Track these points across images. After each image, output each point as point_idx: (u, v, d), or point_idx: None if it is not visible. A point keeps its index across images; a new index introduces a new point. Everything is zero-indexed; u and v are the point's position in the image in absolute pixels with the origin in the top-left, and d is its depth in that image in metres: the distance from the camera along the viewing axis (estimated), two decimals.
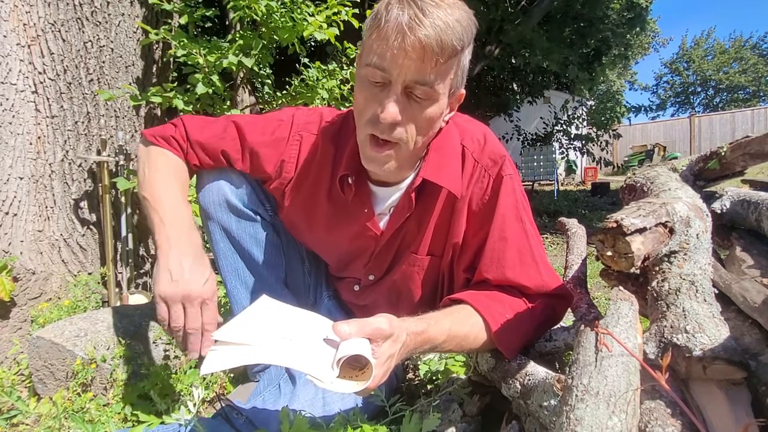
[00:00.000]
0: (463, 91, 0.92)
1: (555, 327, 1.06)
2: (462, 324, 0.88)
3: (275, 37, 2.08)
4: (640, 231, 0.76)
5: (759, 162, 1.18)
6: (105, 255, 1.87)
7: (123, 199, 1.92)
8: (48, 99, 1.75)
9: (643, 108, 10.06)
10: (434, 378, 1.19)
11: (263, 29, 2.07)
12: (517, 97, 8.31)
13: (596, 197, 7.62)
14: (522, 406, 0.85)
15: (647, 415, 0.61)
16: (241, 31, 2.12)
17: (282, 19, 2.04)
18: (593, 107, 9.11)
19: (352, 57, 2.57)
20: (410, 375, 1.31)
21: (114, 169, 1.89)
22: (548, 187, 9.44)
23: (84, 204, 1.86)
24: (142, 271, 2.08)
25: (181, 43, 1.91)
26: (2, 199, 1.62)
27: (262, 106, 2.65)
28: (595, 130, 8.66)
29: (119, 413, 1.08)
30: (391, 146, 0.86)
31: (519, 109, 8.60)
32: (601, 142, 8.46)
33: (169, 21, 2.28)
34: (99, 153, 1.87)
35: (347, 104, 2.47)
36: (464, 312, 0.91)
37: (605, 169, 11.64)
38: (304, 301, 1.21)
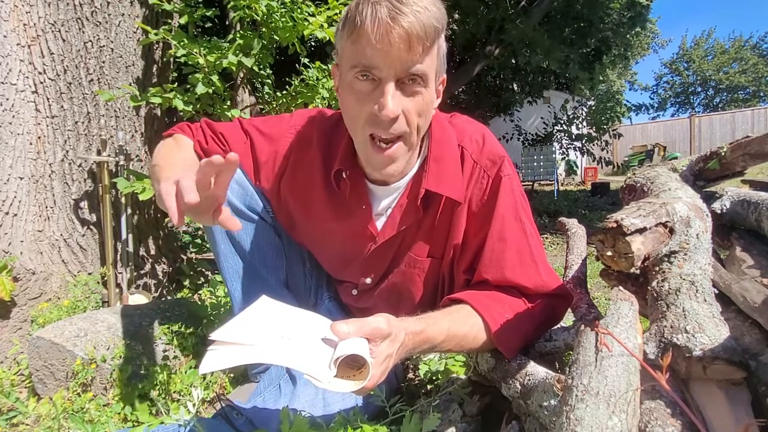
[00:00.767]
0: (444, 76, 0.93)
1: (555, 327, 1.06)
2: (461, 324, 0.88)
3: (275, 37, 2.08)
4: (640, 231, 0.76)
5: (759, 162, 1.18)
6: (105, 255, 1.87)
7: (123, 200, 1.92)
8: (48, 99, 1.75)
9: (643, 107, 10.04)
10: (434, 378, 1.19)
11: (263, 29, 2.07)
12: (517, 97, 8.31)
13: (596, 197, 7.62)
14: (522, 406, 0.85)
15: (647, 415, 0.61)
16: (241, 31, 2.12)
17: (282, 19, 2.04)
18: (593, 107, 9.11)
19: None
20: (410, 375, 1.31)
21: (114, 169, 1.89)
22: (548, 187, 9.44)
23: (84, 204, 1.86)
24: (142, 271, 2.08)
25: (181, 43, 1.91)
26: (2, 199, 1.62)
27: (262, 106, 2.65)
28: (595, 129, 8.66)
29: (119, 413, 1.08)
30: (395, 142, 0.87)
31: (519, 109, 8.59)
32: (601, 142, 8.46)
33: (169, 21, 2.28)
34: (99, 153, 1.87)
35: None
36: (464, 312, 0.90)
37: (605, 169, 11.64)
38: (304, 303, 1.21)
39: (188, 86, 1.99)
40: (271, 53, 2.20)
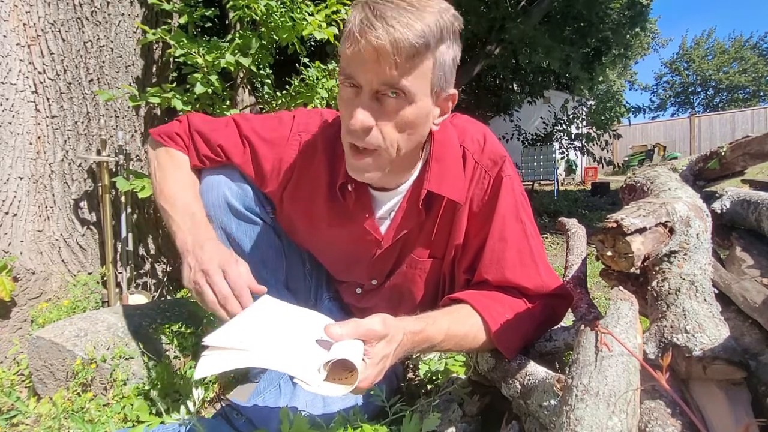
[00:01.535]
0: (454, 92, 0.89)
1: (555, 327, 1.06)
2: (461, 323, 0.88)
3: (275, 36, 2.08)
4: (640, 231, 0.76)
5: (759, 162, 1.18)
6: (105, 255, 1.87)
7: (123, 199, 1.92)
8: (48, 99, 1.75)
9: (642, 108, 10.05)
10: (434, 378, 1.19)
11: (263, 29, 2.07)
12: (517, 97, 8.30)
13: (596, 197, 7.62)
14: (522, 406, 0.85)
15: (647, 415, 0.61)
16: (240, 31, 2.12)
17: (281, 19, 2.04)
18: (593, 107, 9.11)
19: None
20: (410, 375, 1.31)
21: (114, 169, 1.89)
22: (548, 187, 9.44)
23: (84, 204, 1.86)
24: (142, 271, 2.08)
25: (180, 43, 1.91)
26: (2, 199, 1.62)
27: (262, 106, 2.65)
28: (595, 129, 8.66)
29: (119, 413, 1.08)
30: (370, 153, 0.85)
31: (519, 109, 8.59)
32: (601, 142, 8.47)
33: (169, 21, 2.28)
34: (99, 153, 1.87)
35: None
36: (463, 312, 0.90)
37: (605, 169, 11.64)
38: (304, 303, 1.20)
39: (188, 86, 1.99)
40: (271, 53, 2.20)
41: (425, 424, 0.80)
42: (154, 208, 2.20)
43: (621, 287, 0.77)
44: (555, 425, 0.59)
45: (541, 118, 9.17)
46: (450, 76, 0.86)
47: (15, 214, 1.65)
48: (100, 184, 1.85)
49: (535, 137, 9.08)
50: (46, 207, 1.77)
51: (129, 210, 1.95)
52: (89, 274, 1.84)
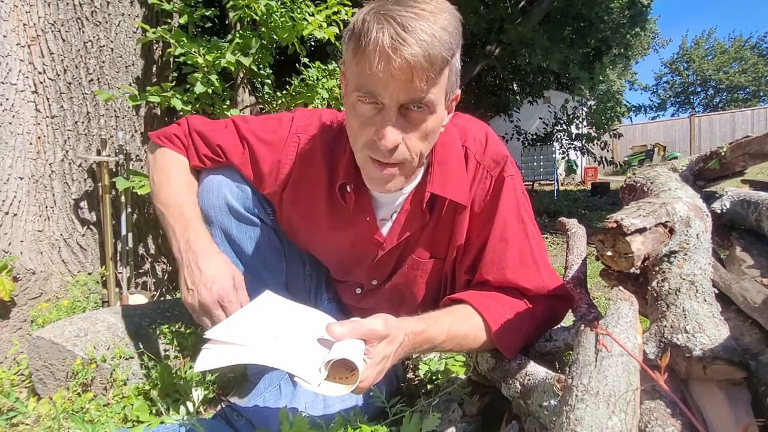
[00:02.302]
0: (458, 92, 0.90)
1: (555, 327, 1.06)
2: (462, 324, 0.88)
3: (275, 36, 2.08)
4: (640, 231, 0.76)
5: (759, 162, 1.18)
6: (105, 255, 1.87)
7: (123, 199, 1.92)
8: (48, 99, 1.75)
9: (643, 108, 10.05)
10: (434, 378, 1.19)
11: (263, 29, 2.07)
12: (517, 97, 8.31)
13: (596, 197, 7.62)
14: (522, 406, 0.85)
15: (647, 415, 0.61)
16: (240, 31, 2.12)
17: (282, 19, 2.04)
18: (593, 107, 9.12)
19: None
20: (410, 375, 1.31)
21: (114, 169, 1.89)
22: (548, 187, 9.44)
23: (84, 204, 1.86)
24: (141, 270, 2.08)
25: (180, 43, 1.91)
26: (2, 199, 1.62)
27: (262, 106, 2.65)
28: (595, 129, 8.67)
29: (119, 413, 1.08)
30: (394, 166, 0.84)
31: (519, 109, 8.59)
32: (600, 142, 8.47)
33: (169, 21, 2.28)
34: (99, 153, 1.87)
35: None
36: (464, 312, 0.90)
37: (605, 169, 11.64)
38: (304, 304, 1.21)
39: (188, 86, 1.99)
40: (271, 53, 2.20)
41: (425, 424, 0.80)
42: (155, 208, 2.20)
43: (621, 287, 0.77)
44: (555, 425, 0.59)
45: (541, 118, 9.17)
46: (458, 77, 0.87)
47: (15, 214, 1.65)
48: (100, 184, 1.85)
49: (535, 137, 9.08)
50: (46, 207, 1.77)
51: (129, 210, 1.95)
52: (89, 274, 1.84)
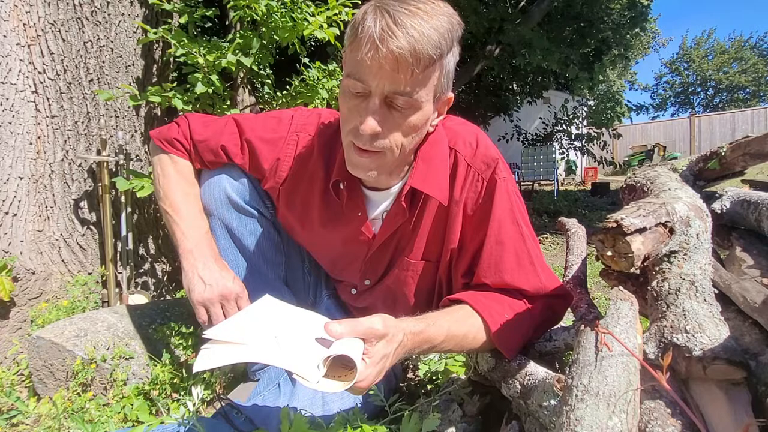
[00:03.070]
0: (451, 95, 0.91)
1: (555, 327, 1.06)
2: (461, 324, 0.88)
3: (275, 36, 2.08)
4: (640, 231, 0.76)
5: (759, 162, 1.18)
6: (105, 255, 1.87)
7: (123, 199, 1.92)
8: (48, 99, 1.75)
9: (643, 107, 10.06)
10: (434, 378, 1.19)
11: (263, 29, 2.07)
12: (517, 97, 8.31)
13: (596, 197, 7.62)
14: (522, 406, 0.85)
15: (647, 415, 0.61)
16: (240, 31, 2.12)
17: (282, 19, 2.04)
18: (593, 107, 9.13)
19: None
20: (410, 375, 1.31)
21: (114, 169, 1.89)
22: (548, 187, 9.44)
23: (84, 204, 1.86)
24: (141, 270, 2.08)
25: (181, 43, 1.91)
26: (2, 199, 1.62)
27: (262, 106, 2.65)
28: (595, 129, 8.68)
29: (119, 413, 1.08)
30: (374, 154, 0.86)
31: (519, 109, 8.60)
32: (600, 142, 8.47)
33: (169, 21, 2.28)
34: (99, 153, 1.87)
35: None
36: (463, 312, 0.91)
37: (605, 169, 11.65)
38: (303, 300, 1.21)
39: (188, 86, 1.99)
40: (271, 53, 2.20)
41: (425, 424, 0.80)
42: (154, 208, 2.20)
43: (621, 287, 0.77)
44: (555, 425, 0.59)
45: (541, 118, 9.18)
46: (451, 81, 0.88)
47: (15, 214, 1.66)
48: (100, 184, 1.85)
49: (535, 137, 9.08)
50: (46, 207, 1.77)
51: (129, 210, 1.95)
52: (89, 274, 1.84)
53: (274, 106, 2.52)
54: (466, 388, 1.00)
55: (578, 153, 9.15)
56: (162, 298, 2.05)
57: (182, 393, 1.13)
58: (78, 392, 1.14)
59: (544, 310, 0.98)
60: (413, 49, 0.74)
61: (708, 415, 0.62)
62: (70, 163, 1.81)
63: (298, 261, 1.20)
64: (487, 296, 0.95)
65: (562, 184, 11.04)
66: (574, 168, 12.61)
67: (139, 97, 1.88)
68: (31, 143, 1.72)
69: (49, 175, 1.77)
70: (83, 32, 1.83)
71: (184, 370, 1.21)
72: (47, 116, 1.76)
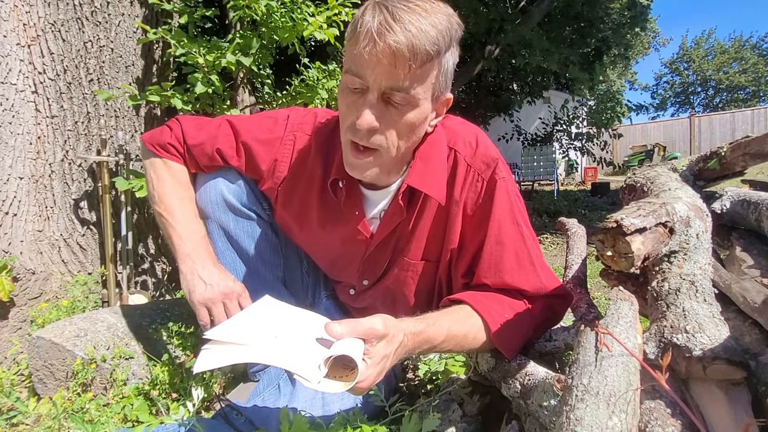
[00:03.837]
0: (450, 96, 0.91)
1: (555, 327, 1.06)
2: (461, 324, 0.88)
3: (275, 37, 2.08)
4: (640, 231, 0.76)
5: (759, 162, 1.18)
6: (105, 255, 1.87)
7: (123, 199, 1.92)
8: (48, 99, 1.75)
9: (643, 107, 10.06)
10: (434, 378, 1.19)
11: (263, 29, 2.07)
12: (517, 97, 8.31)
13: (596, 197, 7.62)
14: (522, 406, 0.85)
15: (647, 415, 0.61)
16: (240, 31, 2.12)
17: (282, 19, 2.04)
18: (593, 107, 9.13)
19: None
20: (410, 375, 1.31)
21: (114, 169, 1.89)
22: (548, 187, 9.44)
23: (84, 204, 1.86)
24: (141, 270, 2.08)
25: (180, 43, 1.91)
26: (2, 199, 1.62)
27: (262, 106, 2.65)
28: (595, 129, 8.68)
29: (119, 413, 1.08)
30: (371, 153, 0.86)
31: (519, 109, 8.60)
32: (600, 142, 8.48)
33: (169, 21, 2.28)
34: (99, 153, 1.87)
35: None
36: (463, 312, 0.90)
37: (605, 169, 11.64)
38: (302, 301, 1.21)
39: (188, 86, 1.99)
40: (271, 53, 2.20)
41: (425, 424, 0.80)
42: (154, 212, 2.20)
43: (621, 287, 0.77)
44: (555, 425, 0.59)
45: (540, 118, 9.19)
46: (449, 80, 0.88)
47: (15, 214, 1.66)
48: (100, 184, 1.85)
49: (535, 137, 9.09)
50: (46, 207, 1.77)
51: (129, 210, 1.95)
52: (89, 274, 1.84)
53: (274, 106, 2.53)
54: (466, 388, 1.00)
55: (578, 153, 9.16)
56: (162, 298, 2.05)
57: (182, 393, 1.13)
58: (78, 392, 1.14)
59: (544, 310, 0.98)
60: (411, 44, 0.75)
61: (708, 415, 0.62)
62: (70, 163, 1.81)
63: (296, 262, 1.20)
64: (487, 296, 0.95)
65: (562, 184, 11.04)
66: (575, 167, 12.61)
67: (138, 97, 1.88)
68: (31, 143, 1.72)
69: (49, 175, 1.77)
70: (83, 32, 1.83)
71: (184, 371, 1.21)
72: (47, 116, 1.76)
